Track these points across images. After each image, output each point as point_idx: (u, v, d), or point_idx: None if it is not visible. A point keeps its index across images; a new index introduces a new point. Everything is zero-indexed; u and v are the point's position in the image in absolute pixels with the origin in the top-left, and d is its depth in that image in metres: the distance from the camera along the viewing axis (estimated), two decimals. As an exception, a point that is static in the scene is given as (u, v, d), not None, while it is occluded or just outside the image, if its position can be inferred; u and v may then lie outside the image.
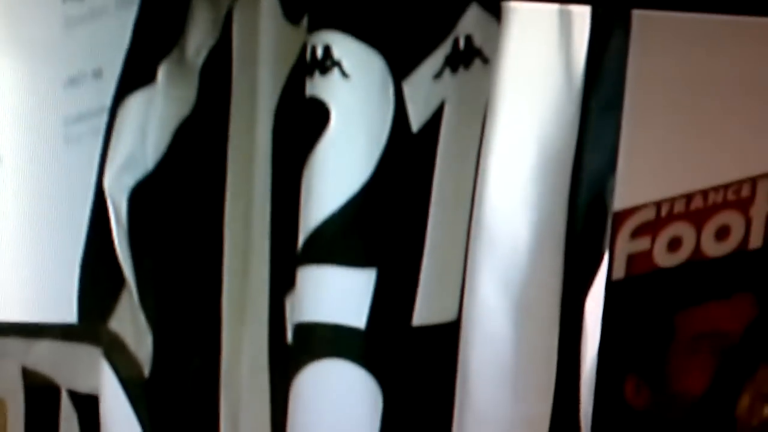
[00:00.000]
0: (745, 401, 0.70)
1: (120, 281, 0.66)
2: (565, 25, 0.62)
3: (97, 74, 0.65)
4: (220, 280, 0.67)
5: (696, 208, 0.65)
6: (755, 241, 0.66)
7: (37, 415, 0.69)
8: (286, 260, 0.66)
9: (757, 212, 0.66)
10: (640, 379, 0.70)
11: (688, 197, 0.65)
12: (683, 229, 0.66)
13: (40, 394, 0.68)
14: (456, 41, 0.64)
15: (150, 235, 0.65)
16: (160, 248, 0.66)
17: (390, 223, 0.66)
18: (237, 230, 0.66)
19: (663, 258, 0.66)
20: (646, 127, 0.64)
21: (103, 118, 0.63)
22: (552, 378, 0.69)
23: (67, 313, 0.66)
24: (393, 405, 0.69)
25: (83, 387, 0.68)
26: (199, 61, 0.66)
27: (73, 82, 0.64)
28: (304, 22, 0.64)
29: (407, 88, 0.64)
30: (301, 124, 0.64)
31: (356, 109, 0.63)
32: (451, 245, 0.67)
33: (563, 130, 0.65)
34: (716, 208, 0.65)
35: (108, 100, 0.63)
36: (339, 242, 0.65)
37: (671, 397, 0.70)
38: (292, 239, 0.66)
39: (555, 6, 0.62)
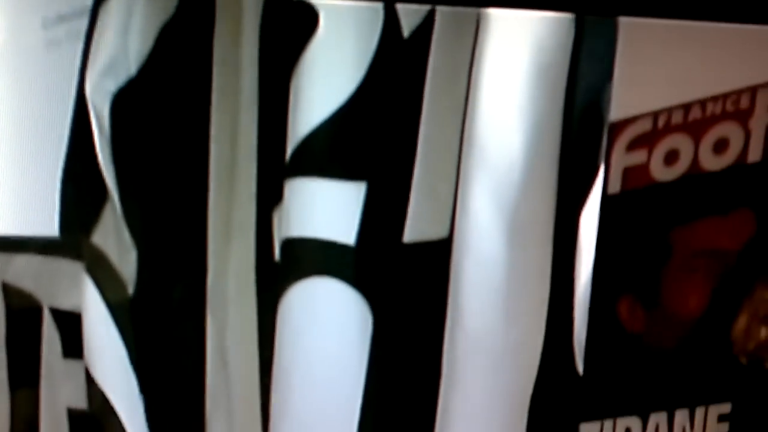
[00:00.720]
0: (741, 323, 0.69)
1: (103, 193, 0.64)
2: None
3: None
4: (205, 193, 0.65)
5: (694, 119, 0.64)
6: (754, 155, 0.65)
7: (19, 333, 0.67)
8: (274, 173, 0.65)
9: (756, 124, 0.64)
10: (635, 300, 0.68)
11: (686, 108, 0.64)
12: (681, 142, 0.64)
13: (21, 311, 0.67)
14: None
15: (133, 144, 0.63)
16: (144, 158, 0.64)
17: (380, 134, 0.64)
18: (223, 140, 0.64)
19: (660, 172, 0.65)
20: (643, 37, 0.63)
21: (84, 21, 0.61)
22: (545, 299, 0.68)
23: (48, 225, 0.64)
24: (383, 326, 0.68)
25: (66, 304, 0.66)
26: (183, -41, 0.64)
27: (51, -19, 0.62)
28: None
29: (398, -11, 0.63)
30: (288, 29, 0.62)
31: (345, 13, 0.61)
32: (443, 159, 0.65)
33: (558, 40, 0.63)
34: (714, 120, 0.64)
35: (89, 1, 0.61)
36: (328, 153, 0.64)
37: (666, 318, 0.69)
38: (280, 151, 0.64)
39: None
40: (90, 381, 0.68)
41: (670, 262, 0.67)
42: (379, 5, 0.61)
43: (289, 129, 0.63)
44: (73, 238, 0.65)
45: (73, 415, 0.70)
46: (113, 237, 0.65)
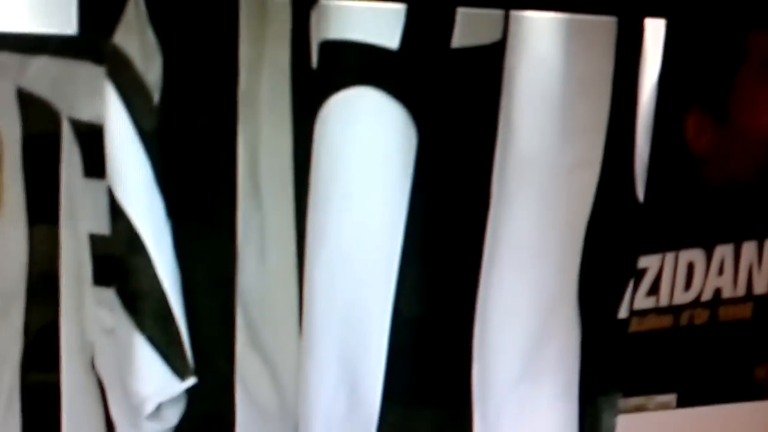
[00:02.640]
0: (820, 143, 0.63)
1: (125, -14, 0.59)
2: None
3: None
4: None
5: None
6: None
7: (36, 148, 0.63)
8: (311, -33, 0.59)
9: None
10: (703, 114, 0.62)
11: None
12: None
13: (38, 121, 0.62)
14: None
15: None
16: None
17: None
18: None
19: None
20: None
21: None
22: (605, 113, 0.63)
23: (66, 22, 0.59)
24: (428, 142, 0.63)
25: (86, 115, 0.61)
26: None
27: None
28: None
29: None
30: None
31: None
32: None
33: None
34: None
35: None
36: (370, -59, 0.58)
37: (737, 136, 0.63)
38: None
39: None
40: (113, 204, 0.63)
41: (743, 68, 0.61)
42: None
43: None
44: (93, 38, 0.60)
45: (96, 242, 0.65)
46: (137, 37, 0.60)
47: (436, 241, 0.66)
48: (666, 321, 0.68)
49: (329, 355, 0.67)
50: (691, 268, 0.66)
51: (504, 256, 0.66)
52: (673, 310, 0.68)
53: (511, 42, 0.60)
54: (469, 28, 0.61)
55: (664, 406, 0.70)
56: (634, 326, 0.68)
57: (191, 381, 0.69)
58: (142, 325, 0.66)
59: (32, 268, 0.68)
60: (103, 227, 0.64)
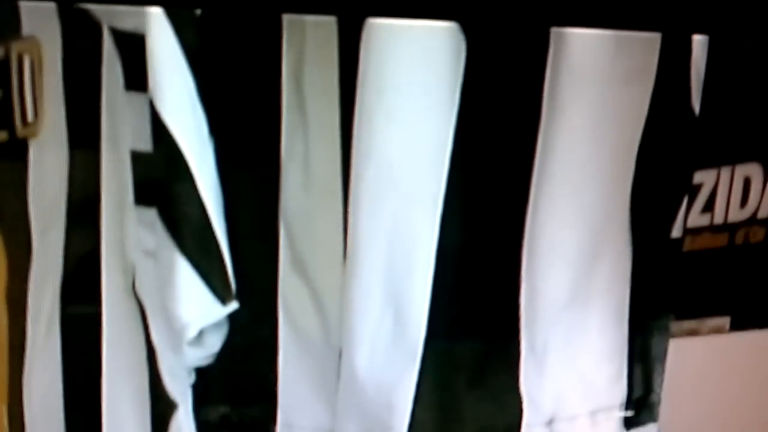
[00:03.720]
0: None
1: None
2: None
3: None
4: None
5: None
6: None
7: (77, 60, 0.61)
8: None
9: None
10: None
11: None
12: None
13: (79, 32, 0.60)
14: None
15: None
16: None
17: None
18: None
19: None
20: None
21: None
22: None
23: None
24: (478, 55, 0.61)
25: (127, 24, 0.60)
26: None
27: None
28: None
29: None
30: None
31: None
32: None
33: None
34: None
35: None
36: None
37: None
38: None
39: None
40: (155, 118, 0.61)
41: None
42: None
43: None
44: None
45: (137, 160, 0.64)
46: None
47: (484, 160, 0.64)
48: (721, 239, 0.66)
49: (374, 278, 0.66)
50: (747, 183, 0.65)
51: (554, 174, 0.64)
52: (729, 227, 0.66)
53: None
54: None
55: (717, 330, 0.69)
56: (688, 245, 0.67)
57: (233, 306, 0.68)
58: (183, 247, 0.64)
59: (72, 193, 0.67)
60: (145, 144, 0.62)
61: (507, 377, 0.70)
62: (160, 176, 0.63)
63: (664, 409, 0.70)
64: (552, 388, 0.70)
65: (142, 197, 0.65)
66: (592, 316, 0.69)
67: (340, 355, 0.69)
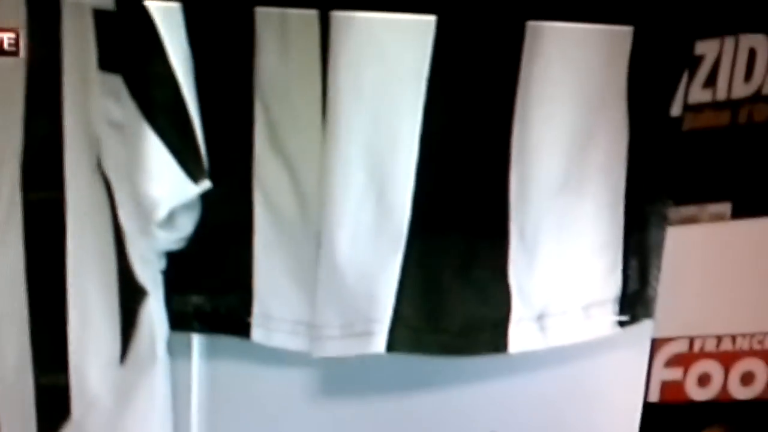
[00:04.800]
0: None
1: None
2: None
3: None
4: None
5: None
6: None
7: None
8: None
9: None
10: None
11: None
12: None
13: None
14: None
15: None
16: None
17: None
18: None
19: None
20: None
21: None
22: None
23: None
24: None
25: None
26: None
27: None
28: None
29: None
30: None
31: None
32: None
33: None
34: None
35: None
36: None
37: None
38: None
39: None
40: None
41: None
42: None
43: None
44: None
45: (100, 19, 0.59)
46: None
47: (472, 35, 0.60)
48: (723, 118, 0.63)
49: (355, 152, 0.62)
50: (752, 55, 0.61)
51: (547, 44, 0.60)
52: (731, 104, 0.62)
53: None
54: None
55: (718, 217, 0.65)
56: (688, 123, 0.63)
57: (206, 184, 0.64)
58: (152, 118, 0.60)
59: (31, 66, 0.63)
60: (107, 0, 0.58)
61: (495, 269, 0.67)
62: (126, 37, 0.59)
63: (661, 304, 0.67)
64: (542, 281, 0.67)
65: (106, 61, 0.61)
66: (585, 202, 0.65)
67: (318, 238, 0.65)
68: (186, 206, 0.64)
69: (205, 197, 0.65)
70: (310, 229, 0.65)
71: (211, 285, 0.67)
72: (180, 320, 0.68)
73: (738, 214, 0.64)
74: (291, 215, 0.65)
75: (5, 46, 0.63)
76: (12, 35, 0.62)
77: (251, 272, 0.67)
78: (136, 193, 0.62)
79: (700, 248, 0.65)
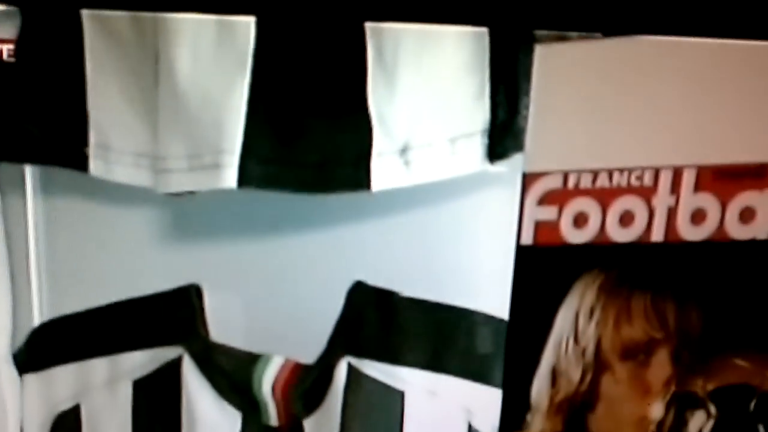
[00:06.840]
0: None
1: None
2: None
3: None
4: None
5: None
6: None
7: None
8: None
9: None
10: None
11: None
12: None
13: None
14: None
15: None
16: None
17: None
18: None
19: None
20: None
21: None
22: None
23: None
24: None
25: None
26: None
27: None
28: None
29: None
30: None
31: None
32: None
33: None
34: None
35: None
36: None
37: None
38: None
39: None
40: None
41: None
42: None
43: None
44: None
45: None
46: None
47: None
48: None
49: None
50: None
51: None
52: None
53: None
54: None
55: (589, 35, 0.60)
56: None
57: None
58: None
59: None
60: None
61: (353, 94, 0.62)
62: None
63: (532, 135, 0.62)
64: (405, 109, 0.62)
65: None
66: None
67: (157, 59, 0.60)
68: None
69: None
70: (147, 52, 0.60)
71: (39, 113, 0.62)
72: (10, 154, 0.62)
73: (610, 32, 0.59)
74: (123, 28, 0.60)
75: None
76: None
77: (84, 96, 0.61)
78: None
79: (571, 69, 0.60)
